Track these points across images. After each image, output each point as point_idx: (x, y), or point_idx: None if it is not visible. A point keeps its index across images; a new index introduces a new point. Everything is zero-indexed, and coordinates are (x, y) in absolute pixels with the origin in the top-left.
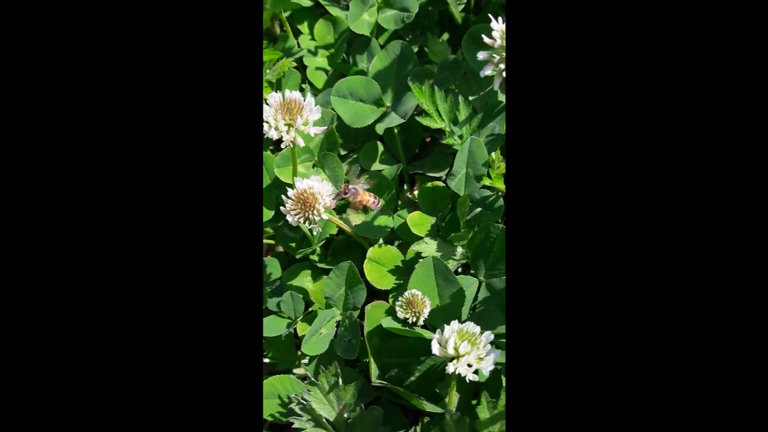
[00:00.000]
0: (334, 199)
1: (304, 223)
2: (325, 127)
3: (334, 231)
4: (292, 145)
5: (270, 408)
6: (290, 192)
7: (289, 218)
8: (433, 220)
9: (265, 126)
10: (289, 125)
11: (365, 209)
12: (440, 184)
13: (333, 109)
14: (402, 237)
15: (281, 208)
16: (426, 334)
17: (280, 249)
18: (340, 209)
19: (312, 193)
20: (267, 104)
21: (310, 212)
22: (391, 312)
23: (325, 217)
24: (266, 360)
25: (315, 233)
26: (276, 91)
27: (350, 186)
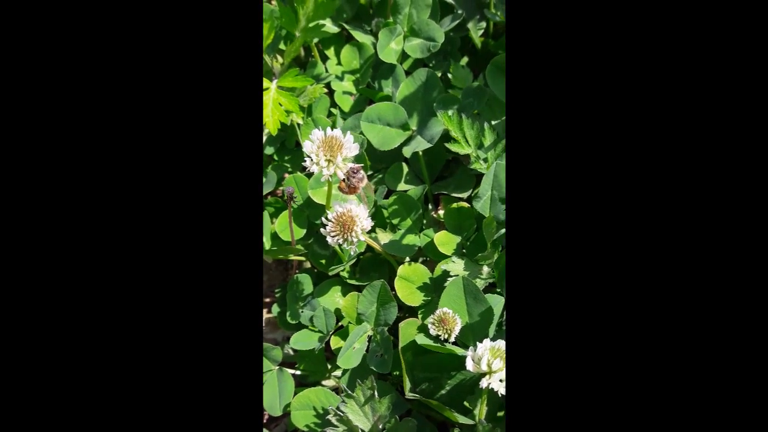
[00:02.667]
0: (344, 176)
1: (343, 244)
2: (358, 153)
3: (362, 248)
4: (330, 179)
5: (305, 419)
6: (330, 215)
7: (328, 239)
8: (458, 239)
9: (307, 160)
10: (330, 161)
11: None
12: (465, 204)
13: (362, 133)
14: (428, 255)
15: (321, 230)
16: (457, 350)
17: (308, 265)
18: (369, 229)
19: (350, 216)
20: (310, 140)
21: (349, 234)
22: (423, 329)
23: (362, 238)
24: (297, 372)
25: (353, 253)
26: (308, 117)
27: (356, 167)
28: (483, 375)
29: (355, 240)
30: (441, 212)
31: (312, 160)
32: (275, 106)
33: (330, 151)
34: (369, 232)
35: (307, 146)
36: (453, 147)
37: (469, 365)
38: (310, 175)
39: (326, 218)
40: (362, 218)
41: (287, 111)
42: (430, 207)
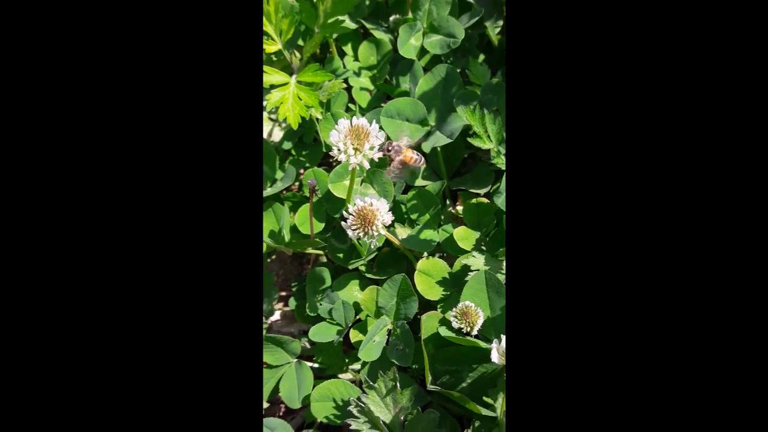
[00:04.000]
0: (377, 152)
1: (364, 237)
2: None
3: (381, 243)
4: (358, 168)
5: (324, 410)
6: (351, 209)
7: (349, 233)
8: (477, 234)
9: (334, 150)
10: (357, 149)
11: (407, 169)
12: (484, 200)
13: (382, 128)
14: (447, 250)
15: (342, 223)
16: (480, 343)
17: (324, 260)
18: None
19: (371, 210)
20: (336, 130)
21: (370, 228)
22: (444, 322)
23: (383, 232)
24: (315, 365)
25: (373, 246)
26: (327, 112)
27: (393, 143)
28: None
29: (375, 234)
30: (459, 208)
31: (339, 149)
32: (295, 100)
33: (357, 140)
34: (387, 227)
35: (334, 136)
36: (475, 142)
37: (495, 357)
38: (328, 169)
39: (347, 211)
40: (383, 212)
41: (307, 105)
42: (448, 203)
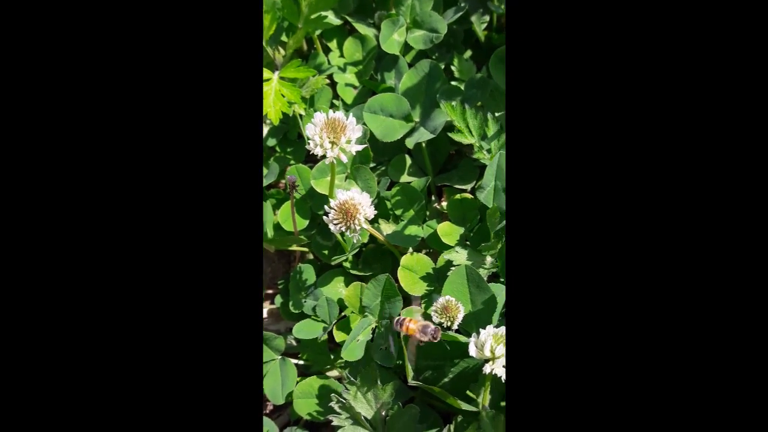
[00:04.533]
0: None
1: (346, 231)
2: (366, 145)
3: (366, 239)
4: (335, 162)
5: (307, 407)
6: (332, 203)
7: (331, 227)
8: (461, 230)
9: (311, 143)
10: (333, 143)
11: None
12: (468, 195)
13: (365, 124)
14: (432, 246)
15: (324, 217)
16: (460, 338)
17: (310, 257)
18: (372, 219)
19: (353, 204)
20: (312, 123)
21: (352, 222)
22: (426, 317)
23: (365, 226)
24: (300, 362)
25: (356, 241)
26: (310, 108)
27: (399, 318)
28: (486, 361)
29: (357, 228)
30: (444, 204)
31: (315, 142)
32: (277, 96)
33: (333, 133)
34: (372, 222)
35: (310, 129)
36: (456, 137)
37: (473, 351)
38: (312, 165)
39: (329, 206)
40: (365, 206)
41: (289, 102)
42: (433, 199)
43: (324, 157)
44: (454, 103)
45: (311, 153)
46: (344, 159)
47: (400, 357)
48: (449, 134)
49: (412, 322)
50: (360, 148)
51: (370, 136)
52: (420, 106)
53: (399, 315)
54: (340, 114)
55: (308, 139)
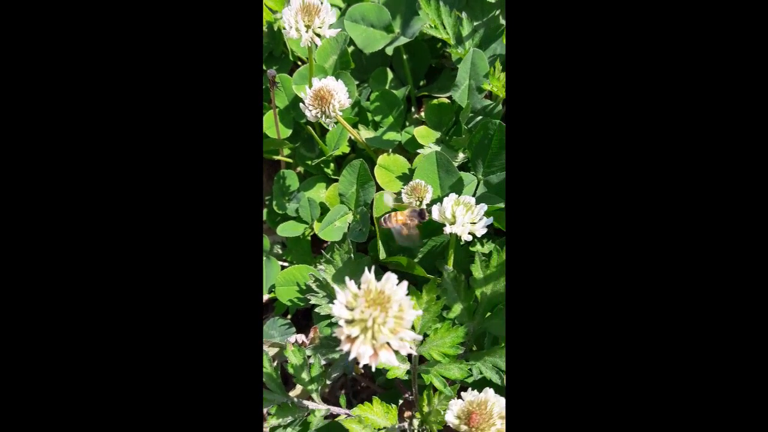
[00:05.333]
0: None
1: (321, 117)
2: (340, 29)
3: (347, 149)
4: (310, 44)
5: (288, 294)
6: (308, 90)
7: (307, 113)
8: (438, 134)
9: (286, 26)
10: (308, 26)
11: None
12: (445, 100)
13: (345, 31)
14: (409, 149)
15: (300, 104)
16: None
17: (300, 169)
18: (353, 125)
19: (328, 90)
20: (288, 8)
21: (326, 107)
22: (398, 199)
23: (339, 113)
24: (285, 263)
25: (331, 128)
26: None
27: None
28: (448, 223)
29: (332, 114)
30: (423, 113)
31: (290, 25)
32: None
33: (308, 17)
34: (353, 127)
35: (285, 13)
36: (431, 31)
37: (435, 215)
38: (291, 73)
39: (305, 93)
40: (340, 93)
41: (272, 10)
42: (413, 110)
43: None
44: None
45: (286, 37)
46: (318, 42)
47: (374, 249)
48: (424, 30)
49: (399, 214)
50: (334, 32)
51: (353, 48)
52: (400, 16)
53: (384, 215)
54: None
55: (283, 23)
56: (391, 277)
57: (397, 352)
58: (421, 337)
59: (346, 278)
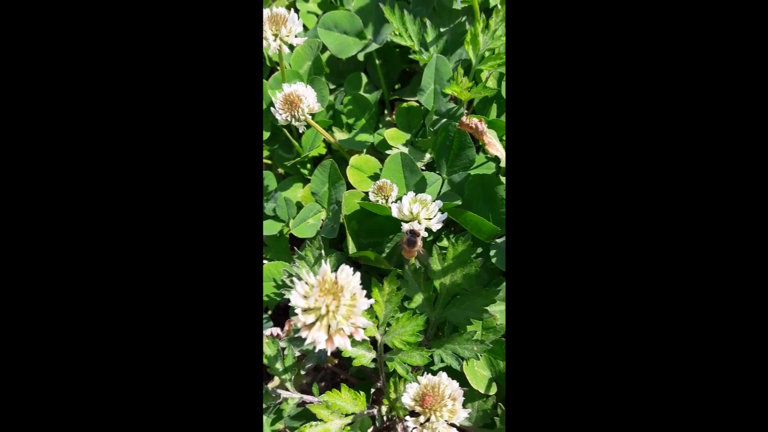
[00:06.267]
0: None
1: (291, 120)
2: (307, 38)
3: (324, 151)
4: (278, 51)
5: (266, 290)
6: (278, 95)
7: (277, 116)
8: (408, 136)
9: None
10: (275, 35)
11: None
12: (415, 104)
13: (319, 38)
14: (381, 150)
15: (270, 108)
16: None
17: (280, 171)
18: (327, 128)
19: (297, 95)
20: None
21: (296, 111)
22: (365, 199)
23: (308, 116)
24: (265, 261)
25: (301, 131)
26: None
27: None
28: (406, 221)
29: (301, 117)
30: (395, 116)
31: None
32: None
33: (275, 26)
34: (327, 131)
35: None
36: (396, 39)
37: (395, 212)
38: (268, 77)
39: (275, 97)
40: (309, 97)
41: None
42: (386, 113)
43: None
44: (394, 8)
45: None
46: (286, 50)
47: (344, 237)
48: (390, 37)
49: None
50: (301, 41)
51: (330, 56)
52: (372, 23)
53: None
54: (281, 9)
55: None
56: (345, 269)
57: (352, 338)
58: (370, 323)
59: (303, 270)
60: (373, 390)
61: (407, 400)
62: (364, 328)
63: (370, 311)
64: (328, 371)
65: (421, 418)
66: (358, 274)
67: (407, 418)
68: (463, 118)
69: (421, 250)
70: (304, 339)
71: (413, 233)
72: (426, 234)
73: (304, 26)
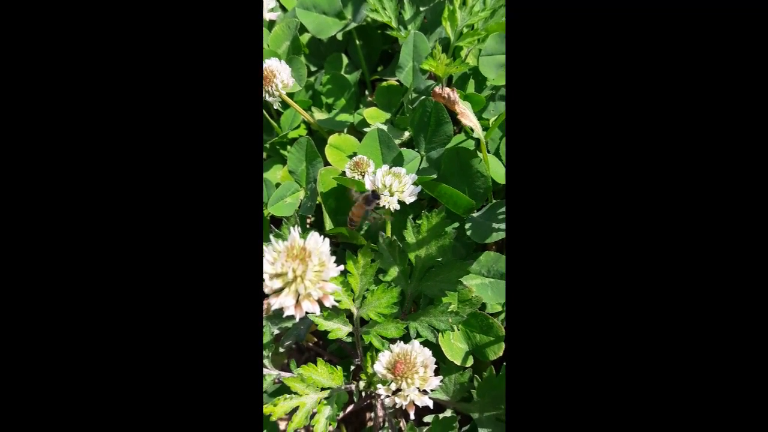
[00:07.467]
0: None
1: (265, 96)
2: (278, 14)
3: (304, 132)
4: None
5: None
6: None
7: None
8: (388, 115)
9: None
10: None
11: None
12: (394, 83)
13: (298, 18)
14: (360, 129)
15: None
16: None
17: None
18: (307, 108)
19: (271, 71)
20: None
21: (269, 86)
22: (342, 175)
23: (282, 91)
24: None
25: (276, 107)
26: None
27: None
28: (380, 192)
29: (275, 93)
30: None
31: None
32: None
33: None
34: (307, 110)
35: None
36: (373, 15)
37: (368, 184)
38: None
39: None
40: (283, 73)
41: None
42: (366, 93)
43: None
44: None
45: None
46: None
47: (320, 215)
48: (367, 12)
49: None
50: (274, 16)
51: (310, 38)
52: (351, 3)
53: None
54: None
55: None
56: (314, 235)
57: (322, 305)
58: (339, 288)
59: (271, 236)
60: (353, 368)
61: (379, 368)
62: (333, 294)
63: (345, 284)
64: (312, 353)
65: (393, 386)
66: (327, 240)
67: (379, 385)
68: (436, 89)
69: (375, 215)
70: (282, 316)
71: (375, 194)
72: (398, 206)
73: (283, 7)
